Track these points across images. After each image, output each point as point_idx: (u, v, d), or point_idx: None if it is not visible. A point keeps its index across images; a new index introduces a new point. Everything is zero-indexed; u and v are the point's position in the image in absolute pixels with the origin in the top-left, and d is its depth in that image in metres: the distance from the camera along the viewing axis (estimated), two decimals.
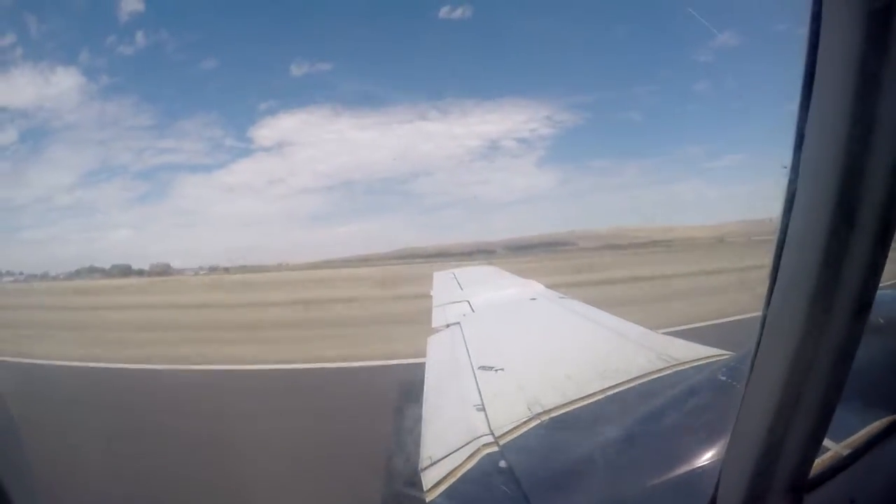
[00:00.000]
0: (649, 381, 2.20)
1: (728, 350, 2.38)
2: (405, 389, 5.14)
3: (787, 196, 0.88)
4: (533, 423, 2.03)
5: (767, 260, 0.94)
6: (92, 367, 10.78)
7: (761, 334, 0.95)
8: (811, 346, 0.88)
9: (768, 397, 0.94)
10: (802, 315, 0.87)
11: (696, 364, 2.31)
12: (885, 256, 0.85)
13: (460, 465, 1.83)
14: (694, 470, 1.34)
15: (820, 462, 1.07)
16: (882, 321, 1.37)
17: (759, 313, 0.96)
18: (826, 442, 1.06)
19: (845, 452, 1.18)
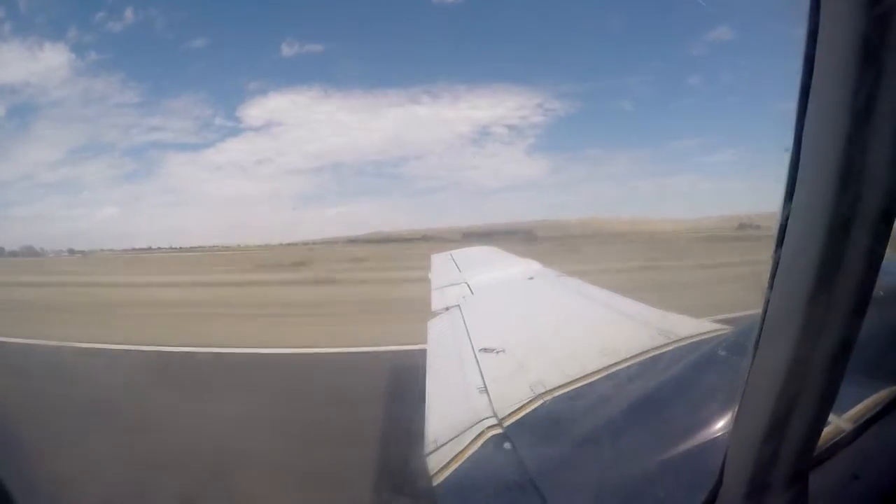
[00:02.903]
0: (651, 357, 2.21)
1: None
2: None
3: (789, 172, 0.87)
4: (536, 404, 2.03)
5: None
6: None
7: (765, 313, 0.94)
8: (815, 325, 0.88)
9: (773, 376, 0.94)
10: (806, 293, 0.87)
11: (696, 339, 2.31)
12: (889, 233, 0.85)
13: (465, 449, 1.84)
14: (699, 447, 1.35)
15: (823, 435, 1.08)
16: (882, 293, 1.36)
17: None
18: (875, 401, 1.06)
19: (847, 426, 1.19)
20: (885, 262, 0.96)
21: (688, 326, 2.52)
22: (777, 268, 0.91)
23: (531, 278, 4.94)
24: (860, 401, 1.24)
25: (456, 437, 1.92)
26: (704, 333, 2.36)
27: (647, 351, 2.27)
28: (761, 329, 0.95)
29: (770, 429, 0.95)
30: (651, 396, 1.84)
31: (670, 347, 2.27)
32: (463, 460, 1.78)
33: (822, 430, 0.98)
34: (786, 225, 0.89)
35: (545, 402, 2.04)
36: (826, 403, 0.94)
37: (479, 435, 1.90)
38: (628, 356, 2.25)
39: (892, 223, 0.85)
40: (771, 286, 0.93)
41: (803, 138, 0.83)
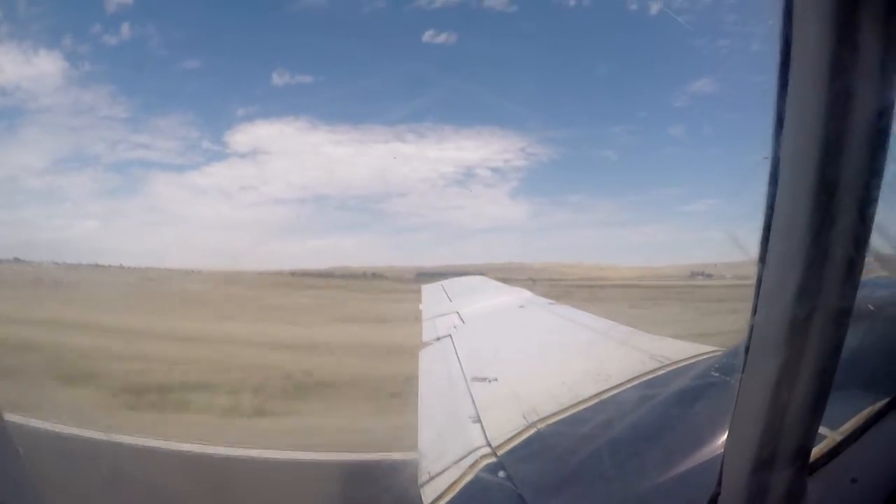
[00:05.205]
0: (643, 381, 2.21)
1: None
2: None
3: (768, 193, 0.91)
4: (530, 432, 2.01)
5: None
6: None
7: (752, 331, 0.96)
8: (800, 339, 0.90)
9: (763, 390, 0.95)
10: (790, 311, 0.89)
11: (687, 362, 2.32)
12: (865, 251, 0.88)
13: (459, 479, 1.80)
14: (695, 465, 1.34)
15: (818, 450, 1.08)
16: (871, 308, 1.39)
17: None
18: (822, 430, 1.07)
19: (840, 439, 1.19)
20: (875, 277, 0.99)
21: (678, 350, 2.53)
22: (760, 286, 0.94)
23: (522, 306, 4.95)
24: (856, 411, 1.25)
25: (450, 466, 1.89)
26: (695, 356, 2.37)
27: (640, 375, 2.27)
28: (749, 343, 0.96)
29: (764, 440, 0.96)
30: (645, 419, 1.83)
31: (662, 371, 2.27)
32: (458, 490, 1.74)
33: (814, 438, 0.99)
34: (766, 245, 0.92)
35: (539, 429, 2.02)
36: (817, 412, 0.95)
37: (474, 464, 1.86)
38: (621, 381, 2.24)
39: (869, 239, 0.89)
40: (755, 304, 0.95)
41: (781, 158, 0.87)
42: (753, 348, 0.97)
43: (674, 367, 2.30)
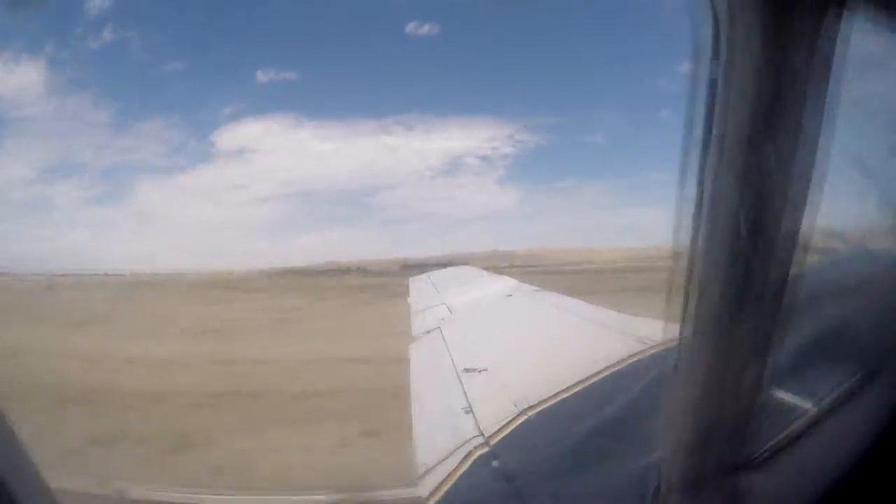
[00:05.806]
0: (629, 365, 2.25)
1: None
2: None
3: (696, 201, 0.93)
4: (521, 420, 2.05)
5: None
6: None
7: (682, 328, 0.99)
8: (728, 335, 0.93)
9: (692, 386, 0.98)
10: (717, 306, 0.91)
11: (674, 344, 2.36)
12: (795, 243, 0.89)
13: (455, 470, 1.83)
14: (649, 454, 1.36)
15: (798, 425, 1.11)
16: (856, 281, 1.42)
17: None
18: (801, 402, 1.10)
19: (817, 411, 1.23)
20: (864, 251, 1.00)
21: (665, 331, 2.57)
22: (689, 283, 0.96)
23: (510, 295, 4.99)
24: (830, 387, 1.28)
25: (445, 458, 1.92)
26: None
27: (625, 359, 2.31)
28: (680, 342, 0.99)
29: (694, 435, 0.99)
30: (630, 403, 1.87)
31: (648, 353, 2.32)
32: (453, 481, 1.77)
33: (748, 432, 1.01)
34: (696, 243, 0.93)
35: (529, 417, 2.05)
36: (748, 408, 0.97)
37: (468, 455, 1.90)
38: (606, 366, 2.28)
39: (800, 229, 0.88)
40: (686, 300, 0.98)
41: (710, 146, 0.88)
42: (683, 347, 1.01)
43: (660, 348, 2.34)
